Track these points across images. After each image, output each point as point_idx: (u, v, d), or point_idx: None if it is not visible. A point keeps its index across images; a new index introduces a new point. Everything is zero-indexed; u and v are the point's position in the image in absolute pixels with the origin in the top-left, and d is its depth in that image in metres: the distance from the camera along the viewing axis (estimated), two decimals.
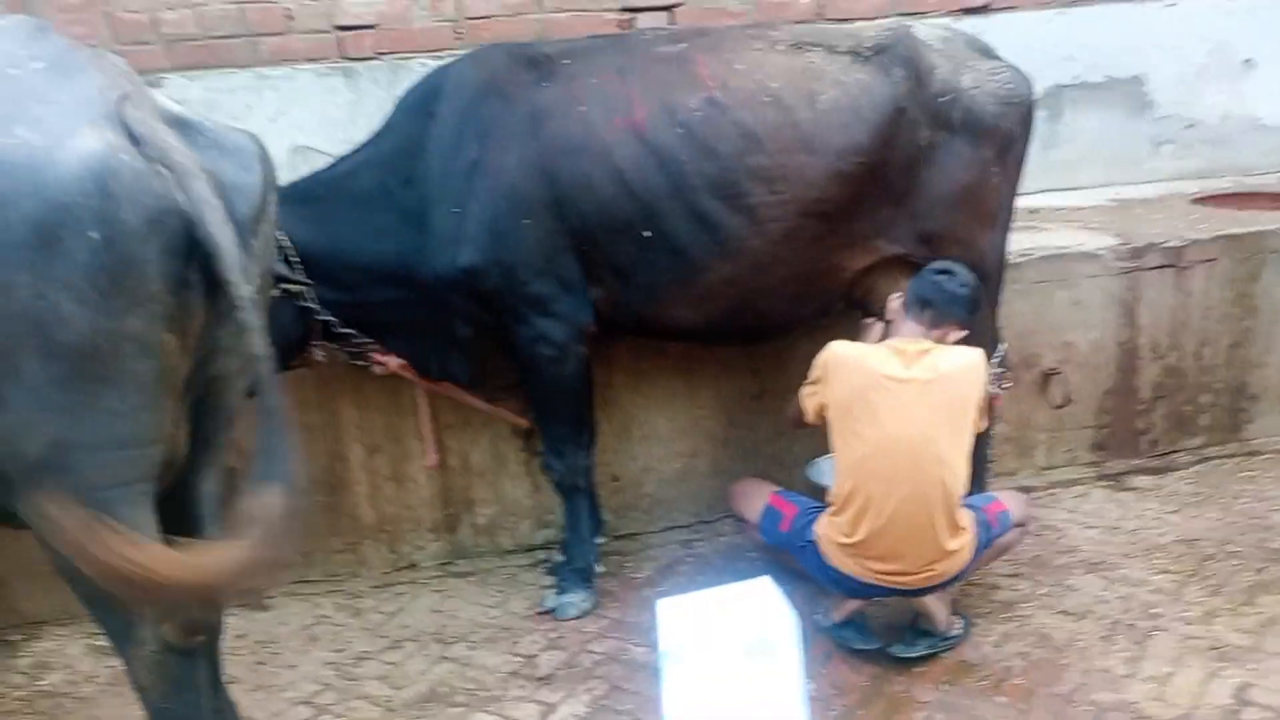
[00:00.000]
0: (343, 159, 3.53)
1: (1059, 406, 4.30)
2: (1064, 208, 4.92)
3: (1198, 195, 5.04)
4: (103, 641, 2.79)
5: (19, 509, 2.10)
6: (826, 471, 3.32)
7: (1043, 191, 4.92)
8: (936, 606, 3.27)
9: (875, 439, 3.06)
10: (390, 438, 3.91)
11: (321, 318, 3.40)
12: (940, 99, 3.39)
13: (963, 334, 3.19)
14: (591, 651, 3.44)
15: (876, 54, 3.39)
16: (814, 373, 3.21)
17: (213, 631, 2.54)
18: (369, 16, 4.37)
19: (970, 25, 4.48)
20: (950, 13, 4.81)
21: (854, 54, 3.40)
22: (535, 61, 3.41)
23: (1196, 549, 3.86)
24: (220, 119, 2.35)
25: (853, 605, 3.32)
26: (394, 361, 3.60)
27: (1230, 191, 5.10)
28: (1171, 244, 4.31)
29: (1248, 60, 5.29)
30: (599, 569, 3.80)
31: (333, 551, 3.96)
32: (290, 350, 3.38)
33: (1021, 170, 3.63)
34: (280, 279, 3.01)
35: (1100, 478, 4.42)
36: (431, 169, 3.35)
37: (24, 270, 1.91)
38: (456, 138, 3.33)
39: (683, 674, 2.75)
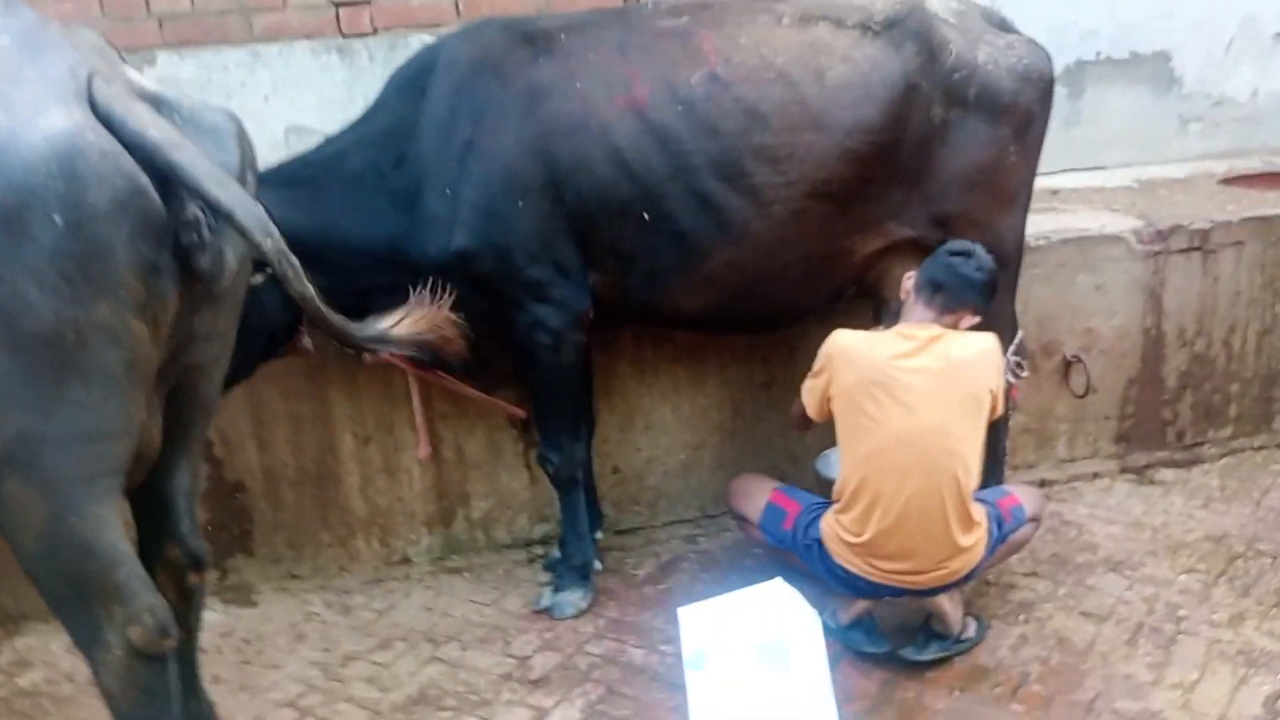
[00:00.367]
0: (331, 139, 3.47)
1: (1080, 396, 4.23)
2: (1086, 188, 4.88)
3: (1226, 175, 5.01)
4: None
5: None
6: (837, 464, 3.24)
7: (1064, 171, 4.92)
8: (950, 607, 3.19)
9: (883, 431, 2.99)
10: (382, 428, 3.86)
11: None
12: (954, 75, 3.33)
13: (976, 320, 3.11)
14: (588, 653, 3.37)
15: (887, 28, 3.34)
16: (817, 364, 3.14)
17: (187, 634, 2.46)
18: None
19: None
20: None
21: (864, 28, 3.35)
22: (531, 37, 3.36)
23: (1224, 547, 3.80)
24: (213, 98, 2.29)
25: (861, 606, 3.24)
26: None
27: (1260, 171, 5.05)
28: (1198, 226, 4.25)
29: (1278, 34, 5.23)
30: (598, 566, 3.74)
31: (322, 545, 3.92)
32: (277, 338, 3.32)
33: (1040, 149, 3.59)
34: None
35: (1123, 471, 4.36)
36: (424, 149, 3.30)
37: None
38: (449, 116, 3.27)
39: (707, 682, 2.75)
